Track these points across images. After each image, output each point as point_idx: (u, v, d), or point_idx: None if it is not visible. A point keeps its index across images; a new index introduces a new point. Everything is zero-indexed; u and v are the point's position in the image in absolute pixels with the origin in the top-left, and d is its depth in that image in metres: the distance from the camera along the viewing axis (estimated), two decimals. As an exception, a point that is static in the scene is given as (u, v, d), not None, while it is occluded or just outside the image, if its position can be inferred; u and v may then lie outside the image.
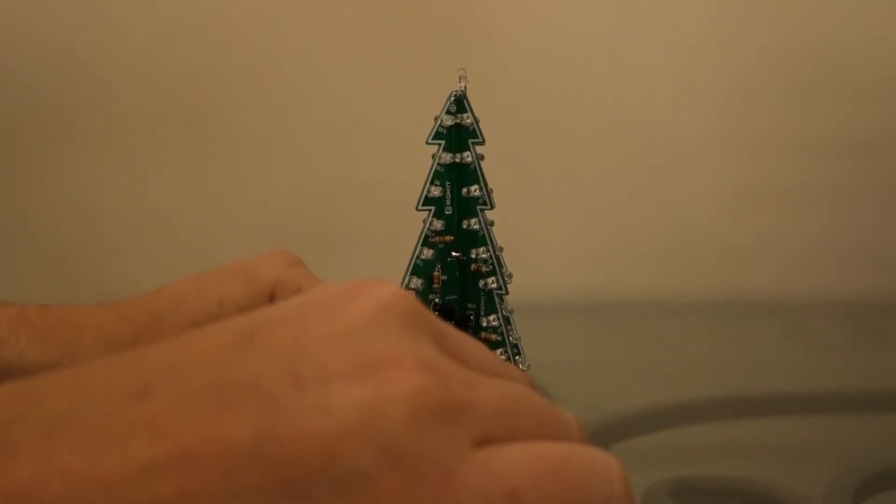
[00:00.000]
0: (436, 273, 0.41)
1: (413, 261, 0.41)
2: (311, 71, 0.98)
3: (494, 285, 0.40)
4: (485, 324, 0.41)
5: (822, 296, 0.92)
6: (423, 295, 0.41)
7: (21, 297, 0.48)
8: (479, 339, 0.41)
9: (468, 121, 0.41)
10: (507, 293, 0.40)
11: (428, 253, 0.41)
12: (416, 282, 0.41)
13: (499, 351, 0.40)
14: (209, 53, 0.97)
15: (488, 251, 0.41)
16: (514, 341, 0.43)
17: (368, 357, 0.24)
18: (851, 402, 0.62)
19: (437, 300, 0.42)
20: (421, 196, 0.41)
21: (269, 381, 0.23)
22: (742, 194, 0.98)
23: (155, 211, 0.96)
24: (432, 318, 0.27)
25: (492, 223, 0.42)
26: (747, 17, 0.98)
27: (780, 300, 0.92)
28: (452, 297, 0.42)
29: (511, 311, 0.43)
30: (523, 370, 0.43)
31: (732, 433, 0.59)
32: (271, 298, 0.44)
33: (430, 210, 0.41)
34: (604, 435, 0.56)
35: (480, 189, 0.41)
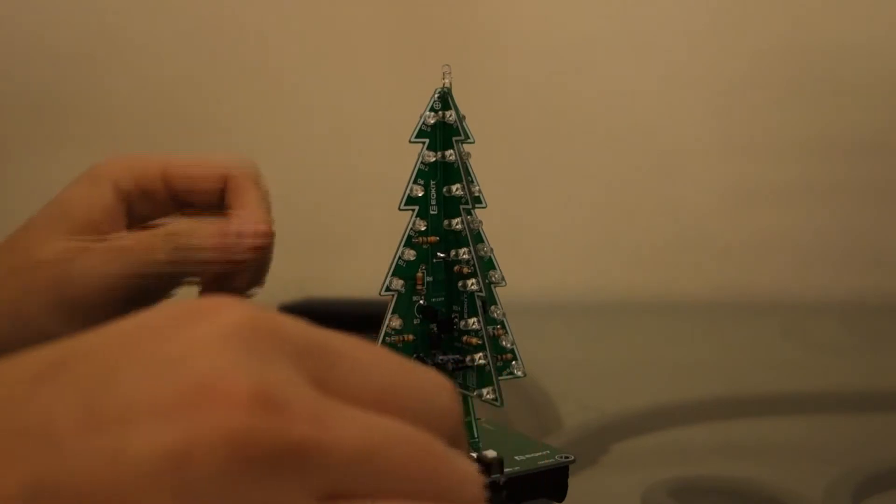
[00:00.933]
0: (419, 274, 0.38)
1: (395, 262, 0.38)
2: (308, 72, 0.97)
3: (475, 287, 0.37)
4: (463, 326, 0.38)
5: (822, 296, 0.89)
6: (406, 297, 0.38)
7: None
8: (461, 342, 0.38)
9: (452, 118, 0.38)
10: (484, 293, 0.37)
11: (410, 254, 0.38)
12: (398, 283, 0.38)
13: (478, 356, 0.37)
14: (206, 56, 0.95)
15: (469, 252, 0.37)
16: (510, 346, 0.40)
17: (188, 388, 0.19)
18: (851, 402, 0.61)
19: (421, 302, 0.38)
20: (403, 196, 0.38)
21: (61, 422, 0.19)
22: (742, 194, 0.96)
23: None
24: (300, 335, 0.21)
25: (480, 223, 0.39)
26: (747, 17, 0.96)
27: (780, 300, 0.90)
28: (439, 298, 0.39)
29: (504, 315, 0.39)
30: (518, 374, 0.40)
31: (732, 433, 0.57)
32: (117, 188, 0.43)
33: (413, 210, 0.38)
34: (604, 435, 0.54)
35: (463, 188, 0.37)
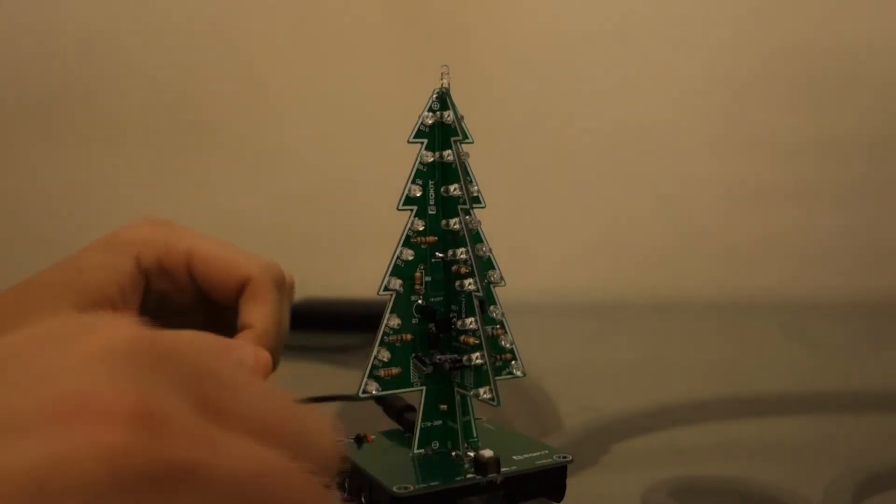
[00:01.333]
0: (417, 274, 0.38)
1: (393, 261, 0.38)
2: (306, 73, 0.97)
3: (472, 287, 0.37)
4: (461, 326, 0.37)
5: (822, 296, 0.89)
6: (405, 296, 0.38)
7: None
8: (459, 342, 0.37)
9: (450, 118, 0.38)
10: (481, 293, 0.37)
11: (408, 254, 0.38)
12: (396, 283, 0.38)
13: (475, 355, 0.36)
14: (206, 57, 0.95)
15: (467, 252, 0.37)
16: (510, 346, 0.39)
17: (64, 401, 0.18)
18: (851, 402, 0.61)
19: (419, 301, 0.38)
20: (402, 195, 0.38)
21: None
22: (744, 195, 0.96)
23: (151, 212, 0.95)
24: (190, 362, 0.21)
25: (479, 223, 0.39)
26: (752, 20, 0.96)
27: (781, 300, 0.90)
28: (437, 298, 0.39)
29: (503, 314, 0.39)
30: (518, 374, 0.39)
31: (732, 433, 0.57)
32: (138, 262, 0.42)
33: (411, 210, 0.38)
34: (604, 435, 0.54)
35: (460, 188, 0.37)
